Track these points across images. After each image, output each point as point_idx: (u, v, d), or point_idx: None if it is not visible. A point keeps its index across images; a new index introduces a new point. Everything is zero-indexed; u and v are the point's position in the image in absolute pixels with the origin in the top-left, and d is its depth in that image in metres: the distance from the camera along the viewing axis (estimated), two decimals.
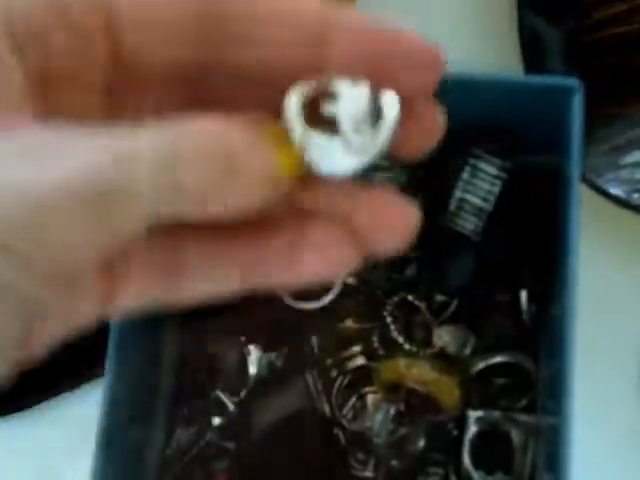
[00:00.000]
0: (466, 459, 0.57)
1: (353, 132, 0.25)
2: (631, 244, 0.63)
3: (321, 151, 0.25)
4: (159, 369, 0.61)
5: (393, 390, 0.57)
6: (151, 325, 0.59)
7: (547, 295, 0.58)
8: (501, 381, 0.59)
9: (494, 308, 0.59)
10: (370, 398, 0.60)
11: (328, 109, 0.26)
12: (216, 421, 0.58)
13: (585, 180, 0.59)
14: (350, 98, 0.25)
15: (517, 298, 0.59)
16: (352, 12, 0.26)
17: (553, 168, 0.56)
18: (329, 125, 0.25)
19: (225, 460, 0.58)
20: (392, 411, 0.57)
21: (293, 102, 0.25)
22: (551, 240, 0.56)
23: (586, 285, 0.51)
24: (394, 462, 0.58)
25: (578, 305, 0.51)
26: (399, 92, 0.26)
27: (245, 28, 0.26)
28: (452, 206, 0.56)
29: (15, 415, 0.63)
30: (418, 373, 0.56)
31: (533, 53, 0.63)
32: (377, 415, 0.58)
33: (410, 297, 0.59)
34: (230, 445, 0.59)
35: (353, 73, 0.26)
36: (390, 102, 0.26)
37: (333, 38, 0.26)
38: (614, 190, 0.60)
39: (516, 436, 0.57)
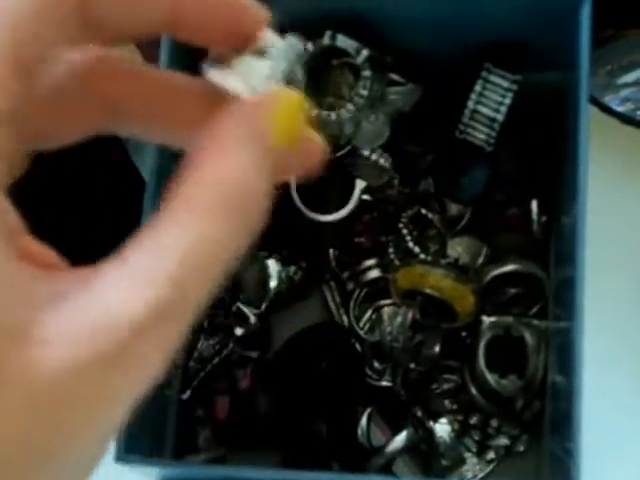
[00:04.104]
0: (481, 363, 0.59)
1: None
2: (635, 159, 0.65)
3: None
4: None
5: (409, 297, 0.59)
6: None
7: (557, 206, 0.60)
8: (513, 290, 0.61)
9: (506, 219, 0.61)
10: (386, 311, 0.62)
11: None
12: (238, 332, 0.60)
13: (590, 99, 0.62)
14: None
15: (528, 209, 0.61)
16: None
17: (563, 83, 0.58)
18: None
19: (247, 367, 0.60)
20: (410, 315, 0.59)
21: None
22: (560, 152, 0.58)
23: (594, 197, 0.53)
24: (411, 366, 0.60)
25: (586, 214, 0.53)
26: None
27: None
28: (465, 117, 0.58)
29: None
30: (434, 280, 0.57)
31: None
32: (395, 320, 0.60)
33: (424, 210, 0.61)
34: (252, 354, 0.60)
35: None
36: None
37: None
38: (617, 108, 0.63)
39: (529, 339, 0.59)
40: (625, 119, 0.62)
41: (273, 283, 0.62)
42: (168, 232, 0.22)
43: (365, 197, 0.62)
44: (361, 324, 0.63)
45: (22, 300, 0.22)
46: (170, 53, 0.54)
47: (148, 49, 0.70)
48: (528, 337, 0.59)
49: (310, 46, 0.56)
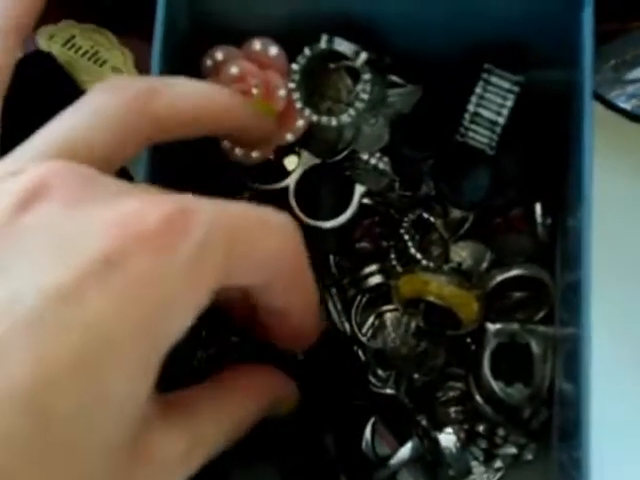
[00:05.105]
0: (486, 371, 0.58)
1: None
2: None
3: None
4: None
5: (412, 305, 0.58)
6: None
7: (561, 207, 0.59)
8: (518, 295, 0.60)
9: (509, 222, 0.60)
10: (389, 317, 0.61)
11: None
12: (235, 340, 0.59)
13: (595, 96, 0.60)
14: None
15: (532, 211, 0.59)
16: None
17: (566, 82, 0.56)
18: None
19: None
20: (413, 324, 0.58)
21: None
22: (565, 152, 0.57)
23: (600, 197, 0.51)
24: (415, 376, 0.59)
25: (593, 216, 0.52)
26: None
27: None
28: (466, 121, 0.56)
29: None
30: (437, 287, 0.56)
31: None
32: (399, 328, 0.58)
33: (425, 215, 0.60)
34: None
35: None
36: None
37: None
38: (623, 105, 0.61)
39: (535, 346, 0.57)
40: (630, 116, 0.61)
41: None
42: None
43: (365, 201, 0.60)
44: (363, 331, 0.61)
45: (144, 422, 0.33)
46: (162, 55, 0.52)
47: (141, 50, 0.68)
48: (534, 344, 0.57)
49: (307, 50, 0.54)
